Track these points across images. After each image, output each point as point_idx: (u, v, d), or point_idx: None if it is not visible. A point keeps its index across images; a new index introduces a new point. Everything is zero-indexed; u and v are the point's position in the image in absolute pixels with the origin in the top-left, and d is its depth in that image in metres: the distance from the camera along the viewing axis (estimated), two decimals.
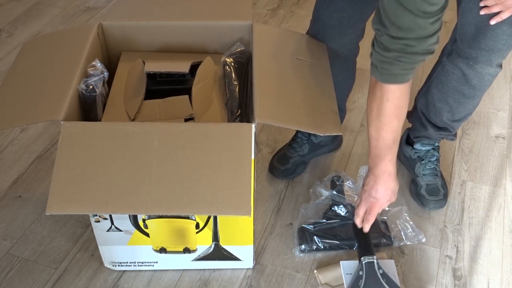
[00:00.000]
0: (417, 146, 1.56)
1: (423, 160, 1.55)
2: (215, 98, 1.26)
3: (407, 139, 1.60)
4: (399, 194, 1.51)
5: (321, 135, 1.53)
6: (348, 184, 1.52)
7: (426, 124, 1.49)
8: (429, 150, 1.55)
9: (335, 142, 1.67)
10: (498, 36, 1.19)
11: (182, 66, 1.27)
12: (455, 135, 1.54)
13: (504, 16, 1.13)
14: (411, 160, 1.59)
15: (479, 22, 1.19)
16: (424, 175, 1.54)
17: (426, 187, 1.52)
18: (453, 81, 1.34)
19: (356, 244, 1.39)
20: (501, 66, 1.30)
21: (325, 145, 1.63)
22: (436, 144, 1.57)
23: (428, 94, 1.43)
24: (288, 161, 1.59)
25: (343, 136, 1.72)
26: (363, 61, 2.01)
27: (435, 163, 1.55)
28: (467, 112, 1.42)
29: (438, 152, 1.57)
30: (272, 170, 1.61)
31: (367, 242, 1.36)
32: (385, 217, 1.47)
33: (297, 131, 1.62)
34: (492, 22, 1.14)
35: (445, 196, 1.53)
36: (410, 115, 1.54)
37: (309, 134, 1.58)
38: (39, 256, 1.39)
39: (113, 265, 1.34)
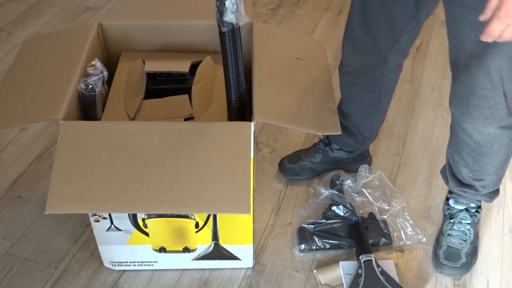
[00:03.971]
0: (451, 202, 1.43)
1: (452, 218, 1.41)
2: (215, 98, 1.26)
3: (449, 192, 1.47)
4: (399, 195, 1.52)
5: (338, 150, 1.56)
6: (348, 183, 1.52)
7: (450, 177, 1.38)
8: (461, 210, 1.40)
9: (358, 162, 1.59)
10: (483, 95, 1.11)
11: (182, 66, 1.27)
12: (489, 195, 1.38)
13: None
14: (443, 216, 1.47)
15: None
16: (449, 235, 1.38)
17: (445, 248, 1.37)
18: (458, 132, 1.26)
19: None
20: (509, 128, 1.18)
21: (343, 161, 1.58)
22: (472, 205, 1.40)
23: (450, 144, 1.34)
24: (297, 162, 1.59)
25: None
26: None
27: (467, 226, 1.39)
28: (488, 172, 1.29)
29: (474, 215, 1.40)
30: (279, 164, 1.62)
31: (364, 241, 1.37)
32: (385, 216, 1.47)
33: (320, 139, 1.61)
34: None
35: (465, 266, 1.35)
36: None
37: (326, 146, 1.58)
38: (38, 255, 1.39)
39: (112, 265, 1.34)
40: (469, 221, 1.39)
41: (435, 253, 1.38)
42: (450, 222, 1.40)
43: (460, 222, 1.39)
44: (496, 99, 1.13)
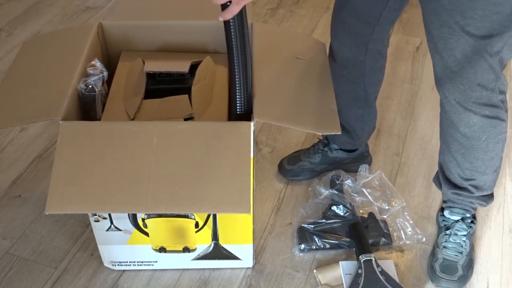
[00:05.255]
0: (446, 213, 1.40)
1: (448, 230, 1.38)
2: (215, 98, 1.26)
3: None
4: (399, 194, 1.51)
5: (337, 150, 1.56)
6: (347, 183, 1.52)
7: (443, 182, 1.37)
8: (457, 220, 1.37)
9: (358, 162, 1.58)
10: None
11: (181, 66, 1.27)
12: (483, 199, 1.36)
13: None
14: (438, 227, 1.44)
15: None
16: (445, 247, 1.36)
17: (442, 261, 1.34)
18: (445, 125, 1.26)
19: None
20: (493, 117, 1.18)
21: (343, 162, 1.58)
22: (468, 214, 1.38)
23: (440, 147, 1.33)
24: (296, 163, 1.59)
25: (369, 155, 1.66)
26: None
27: (463, 238, 1.36)
28: (478, 170, 1.27)
29: (470, 226, 1.37)
30: (279, 166, 1.62)
31: (364, 241, 1.37)
32: (385, 216, 1.47)
33: (319, 139, 1.61)
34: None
35: (462, 279, 1.33)
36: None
37: (325, 146, 1.58)
38: (38, 255, 1.40)
39: (112, 265, 1.34)
40: (465, 233, 1.36)
41: (431, 266, 1.35)
42: (445, 234, 1.38)
43: (456, 234, 1.36)
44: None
